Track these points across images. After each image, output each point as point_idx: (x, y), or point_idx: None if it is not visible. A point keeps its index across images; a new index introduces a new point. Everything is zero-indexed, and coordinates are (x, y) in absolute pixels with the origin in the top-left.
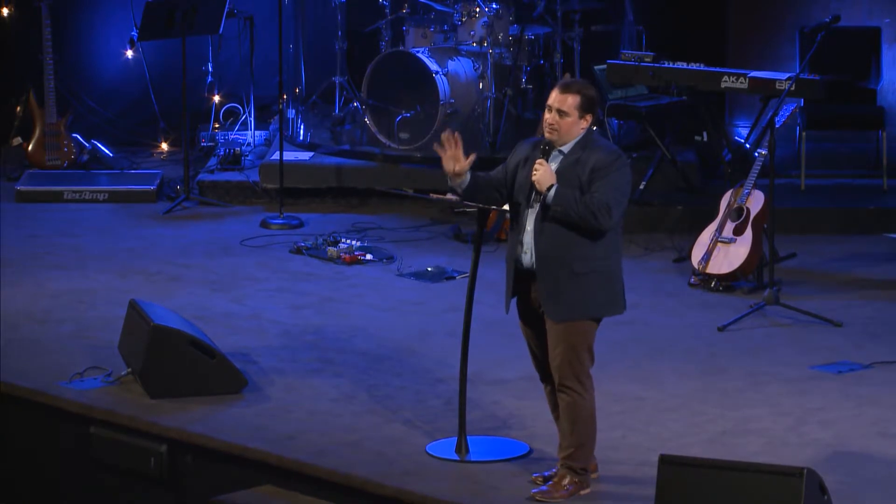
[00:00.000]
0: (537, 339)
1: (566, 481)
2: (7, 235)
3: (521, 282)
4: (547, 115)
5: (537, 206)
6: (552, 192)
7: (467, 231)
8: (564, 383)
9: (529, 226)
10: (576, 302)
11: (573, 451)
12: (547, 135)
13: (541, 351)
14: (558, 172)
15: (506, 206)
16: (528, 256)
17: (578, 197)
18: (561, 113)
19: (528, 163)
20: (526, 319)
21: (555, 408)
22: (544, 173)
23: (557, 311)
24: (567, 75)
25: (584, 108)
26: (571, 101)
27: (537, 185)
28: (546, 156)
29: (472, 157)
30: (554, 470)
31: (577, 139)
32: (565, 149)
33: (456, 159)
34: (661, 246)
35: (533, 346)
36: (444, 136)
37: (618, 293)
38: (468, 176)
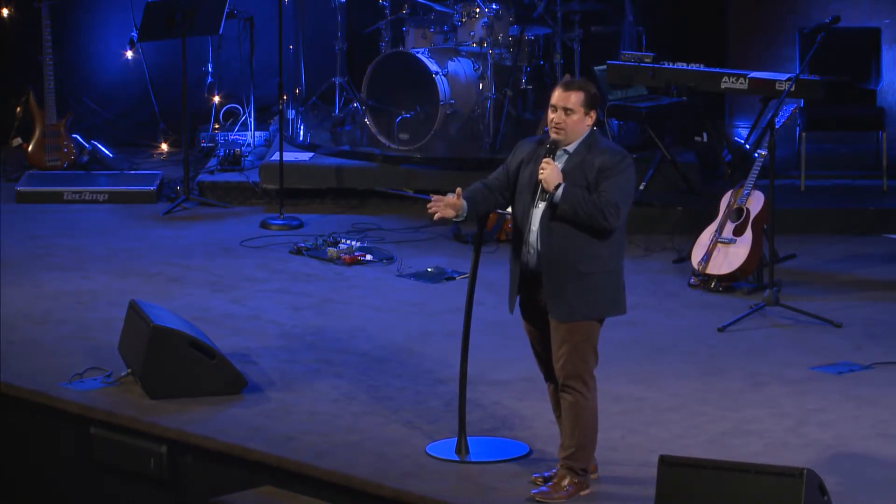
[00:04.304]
0: (541, 339)
1: (566, 482)
2: (7, 236)
3: (526, 281)
4: (552, 115)
5: (542, 206)
6: (559, 190)
7: (467, 232)
8: (568, 383)
9: (535, 225)
10: (581, 302)
11: (574, 451)
12: (553, 135)
13: (544, 350)
14: (564, 172)
15: (508, 209)
16: (533, 256)
17: (586, 196)
18: (567, 111)
19: (532, 162)
20: (530, 319)
21: (557, 407)
22: (551, 172)
23: (562, 311)
24: (567, 76)
25: (588, 105)
26: (575, 98)
27: (544, 184)
28: (551, 154)
29: (458, 190)
30: (554, 470)
31: (581, 138)
32: (570, 148)
33: (449, 206)
34: (661, 247)
35: (537, 346)
36: (430, 204)
37: (621, 294)
38: (463, 203)
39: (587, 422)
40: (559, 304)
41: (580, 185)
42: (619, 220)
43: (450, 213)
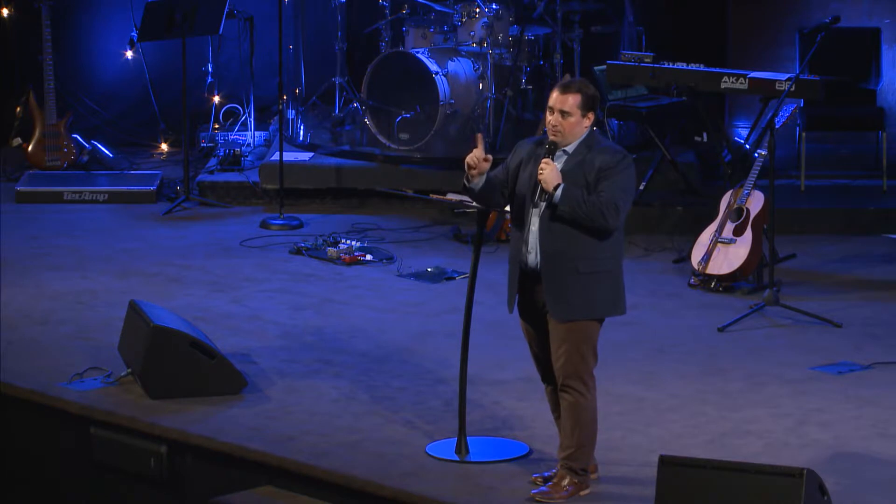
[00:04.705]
0: (539, 339)
1: (566, 482)
2: (7, 236)
3: (524, 281)
4: (549, 117)
5: (542, 206)
6: (559, 191)
7: (467, 232)
8: (567, 383)
9: (534, 225)
10: (580, 302)
11: (573, 451)
12: (551, 136)
13: (542, 351)
14: (564, 172)
15: (507, 208)
16: (532, 256)
17: (586, 196)
18: (563, 113)
19: (531, 162)
20: (528, 319)
21: (555, 408)
22: (551, 172)
23: (562, 310)
24: (567, 76)
25: (586, 107)
26: (573, 100)
27: (544, 185)
28: (550, 155)
29: (490, 158)
30: (554, 471)
31: (581, 139)
32: (569, 149)
33: (483, 159)
34: (661, 247)
35: (534, 346)
36: (478, 136)
37: (620, 294)
38: (481, 180)
39: (587, 422)
40: (558, 303)
41: (580, 185)
42: (618, 220)
43: (484, 166)
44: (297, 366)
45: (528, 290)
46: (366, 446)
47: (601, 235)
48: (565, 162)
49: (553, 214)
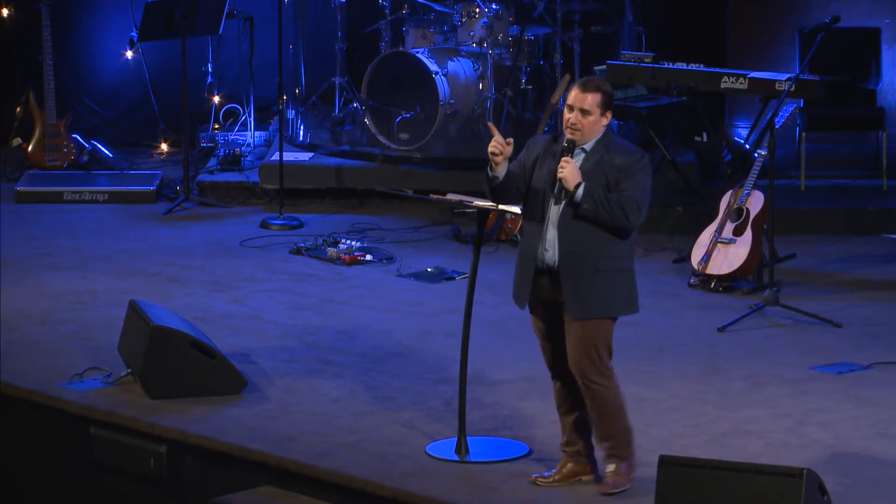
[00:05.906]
0: (550, 335)
1: (621, 466)
2: (7, 236)
3: (539, 278)
4: (568, 115)
5: (562, 204)
6: (581, 189)
7: (467, 232)
8: (588, 379)
9: (553, 223)
10: (598, 300)
11: (612, 443)
12: (569, 135)
13: (554, 346)
14: (583, 171)
15: (515, 209)
16: (551, 253)
17: (607, 195)
18: (583, 112)
19: (548, 159)
20: (541, 316)
21: (561, 404)
22: (571, 171)
23: (580, 308)
24: (567, 76)
25: (605, 105)
26: (592, 99)
27: (564, 183)
28: (569, 153)
29: (511, 141)
30: (554, 470)
31: (598, 137)
32: (587, 147)
33: (505, 143)
34: (661, 247)
35: (545, 342)
36: (490, 124)
37: (634, 293)
38: (505, 166)
39: (615, 409)
40: (576, 301)
41: (600, 184)
42: (640, 218)
43: (508, 150)
44: (297, 366)
45: (543, 288)
46: (366, 446)
47: (620, 234)
48: (584, 160)
49: (574, 213)
